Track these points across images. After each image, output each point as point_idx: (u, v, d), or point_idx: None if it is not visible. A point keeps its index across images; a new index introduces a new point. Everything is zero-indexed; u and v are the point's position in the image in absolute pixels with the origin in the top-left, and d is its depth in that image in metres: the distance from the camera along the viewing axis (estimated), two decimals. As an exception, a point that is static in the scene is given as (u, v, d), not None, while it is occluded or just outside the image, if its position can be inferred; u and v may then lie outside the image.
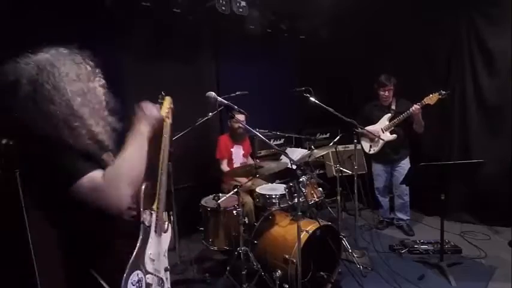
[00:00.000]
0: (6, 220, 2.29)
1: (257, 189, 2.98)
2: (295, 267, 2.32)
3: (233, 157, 3.61)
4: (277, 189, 2.94)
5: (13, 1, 2.57)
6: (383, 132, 3.53)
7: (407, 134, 3.55)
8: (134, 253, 1.08)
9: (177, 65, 3.71)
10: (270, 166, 2.85)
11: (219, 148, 3.52)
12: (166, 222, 1.35)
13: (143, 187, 1.18)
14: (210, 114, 3.11)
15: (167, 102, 1.41)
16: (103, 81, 1.16)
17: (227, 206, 2.79)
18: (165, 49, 3.57)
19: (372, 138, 3.60)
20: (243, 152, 3.69)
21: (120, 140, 1.15)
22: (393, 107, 3.58)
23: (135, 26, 3.25)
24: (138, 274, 1.08)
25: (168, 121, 1.37)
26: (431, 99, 3.20)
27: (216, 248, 2.86)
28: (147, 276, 1.13)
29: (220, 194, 2.92)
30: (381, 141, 3.53)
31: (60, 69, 1.00)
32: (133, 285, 1.05)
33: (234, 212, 2.74)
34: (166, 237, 1.34)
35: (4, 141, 2.32)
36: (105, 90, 1.16)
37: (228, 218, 2.79)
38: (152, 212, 1.23)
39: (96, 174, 0.98)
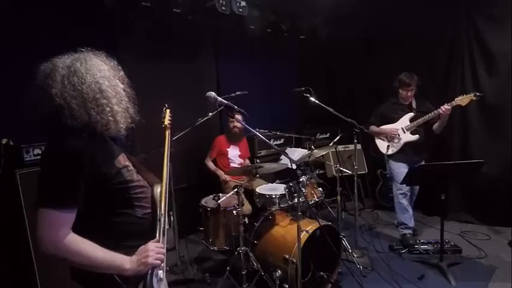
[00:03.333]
0: (6, 220, 2.29)
1: (257, 189, 2.98)
2: (295, 267, 2.32)
3: (229, 156, 3.63)
4: (277, 189, 2.94)
5: (14, 1, 2.57)
6: (404, 132, 3.33)
7: (429, 134, 3.37)
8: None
9: (177, 65, 3.71)
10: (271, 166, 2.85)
11: (212, 146, 3.65)
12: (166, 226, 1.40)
13: (157, 190, 1.27)
14: (210, 114, 3.11)
15: (168, 113, 1.71)
16: (123, 74, 1.27)
17: (227, 206, 2.79)
18: (165, 49, 3.58)
19: (391, 137, 3.42)
20: (240, 153, 3.69)
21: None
22: (414, 106, 3.39)
23: (135, 26, 3.25)
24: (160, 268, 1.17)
25: (168, 131, 1.61)
26: (463, 100, 3.00)
27: (216, 248, 2.85)
28: (160, 271, 1.18)
29: (220, 194, 2.92)
30: (401, 141, 3.34)
31: (92, 60, 1.16)
32: (156, 277, 1.13)
33: (234, 212, 2.74)
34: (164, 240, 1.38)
35: (4, 141, 2.32)
36: (126, 83, 1.27)
37: (228, 218, 2.79)
38: (161, 214, 1.29)
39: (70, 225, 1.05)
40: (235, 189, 2.62)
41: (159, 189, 1.27)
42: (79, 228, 1.07)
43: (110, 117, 1.13)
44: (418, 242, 3.26)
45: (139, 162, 1.35)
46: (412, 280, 2.72)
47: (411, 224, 3.40)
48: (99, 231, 1.12)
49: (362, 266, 2.89)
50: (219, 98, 1.74)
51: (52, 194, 1.04)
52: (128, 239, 1.17)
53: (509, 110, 3.49)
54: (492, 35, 3.55)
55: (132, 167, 1.26)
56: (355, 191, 3.22)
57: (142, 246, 1.15)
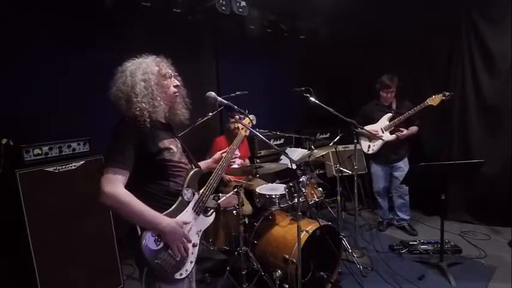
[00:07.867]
0: (6, 220, 2.30)
1: (257, 189, 2.97)
2: (295, 267, 2.32)
3: None
4: (277, 189, 2.94)
5: (14, 1, 2.57)
6: (383, 132, 3.52)
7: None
8: (163, 214, 1.37)
9: (177, 65, 3.69)
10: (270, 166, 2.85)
11: (212, 148, 3.55)
12: (212, 210, 1.64)
13: (192, 172, 1.55)
14: (210, 114, 3.11)
15: (248, 119, 2.03)
16: (177, 83, 1.63)
17: (227, 206, 2.79)
18: (165, 49, 3.55)
19: (372, 137, 3.59)
20: (239, 154, 3.68)
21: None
22: (394, 106, 3.57)
23: (135, 26, 3.25)
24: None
25: (243, 132, 1.99)
26: (434, 100, 3.20)
27: (216, 248, 2.85)
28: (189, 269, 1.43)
29: (220, 194, 2.92)
30: (380, 141, 3.53)
31: (149, 65, 1.51)
32: (152, 236, 1.32)
33: (234, 212, 2.74)
34: (205, 220, 1.59)
35: (4, 141, 2.32)
36: (179, 89, 1.63)
37: (228, 218, 2.79)
38: (196, 193, 1.53)
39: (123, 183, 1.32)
40: (235, 189, 2.62)
41: (192, 172, 1.54)
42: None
43: (156, 109, 1.44)
44: (418, 242, 3.25)
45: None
46: (412, 280, 2.72)
47: (384, 216, 3.86)
48: (138, 196, 1.33)
49: (362, 266, 2.89)
50: (219, 98, 1.75)
51: (110, 156, 1.34)
52: (158, 205, 1.39)
53: (509, 110, 3.49)
54: (492, 35, 3.55)
55: (175, 150, 1.51)
56: (355, 191, 3.22)
57: (182, 227, 1.39)
